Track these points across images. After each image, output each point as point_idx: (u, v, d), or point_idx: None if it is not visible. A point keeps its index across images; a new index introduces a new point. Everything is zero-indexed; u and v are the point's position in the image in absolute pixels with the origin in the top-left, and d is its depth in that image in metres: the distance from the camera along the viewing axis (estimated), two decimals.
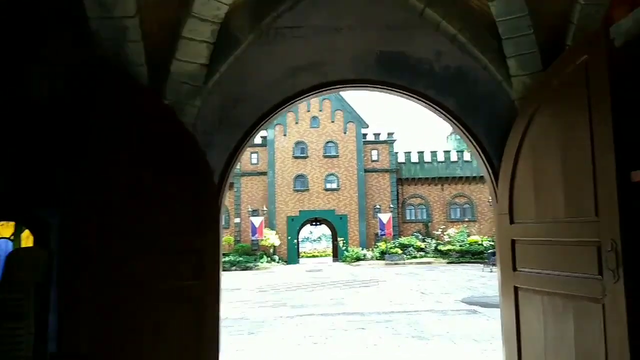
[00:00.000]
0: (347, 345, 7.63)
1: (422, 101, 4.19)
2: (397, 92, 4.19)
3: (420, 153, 39.80)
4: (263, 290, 17.68)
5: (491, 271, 22.36)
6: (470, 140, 4.15)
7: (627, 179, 2.74)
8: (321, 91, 4.18)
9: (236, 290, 18.40)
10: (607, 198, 2.79)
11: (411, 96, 4.19)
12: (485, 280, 18.34)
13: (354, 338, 8.20)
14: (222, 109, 4.04)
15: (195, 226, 3.68)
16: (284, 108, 4.15)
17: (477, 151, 4.14)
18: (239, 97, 4.08)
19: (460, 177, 38.77)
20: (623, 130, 2.80)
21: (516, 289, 3.70)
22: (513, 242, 3.74)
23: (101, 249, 3.30)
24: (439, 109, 4.15)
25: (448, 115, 4.16)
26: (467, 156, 39.44)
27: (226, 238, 36.98)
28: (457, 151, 40.12)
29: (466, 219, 38.08)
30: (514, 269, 3.72)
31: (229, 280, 23.20)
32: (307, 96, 4.16)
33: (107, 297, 3.29)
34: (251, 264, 32.23)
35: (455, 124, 4.18)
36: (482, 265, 26.03)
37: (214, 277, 3.78)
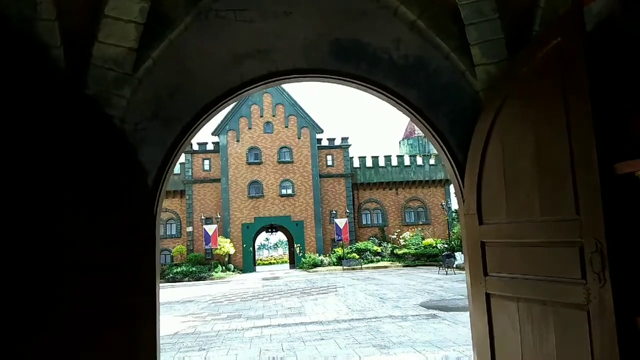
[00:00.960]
0: (306, 359, 7.19)
1: (380, 93, 3.84)
2: (353, 82, 3.82)
3: (375, 158, 40.01)
4: (217, 302, 16.95)
5: (446, 274, 22.56)
6: (432, 135, 3.83)
7: (610, 172, 2.47)
8: (271, 81, 3.74)
9: (188, 302, 17.56)
10: (589, 194, 2.51)
11: (369, 87, 3.83)
12: (442, 282, 18.37)
13: (313, 350, 7.76)
14: (156, 101, 3.53)
15: (127, 235, 3.16)
16: (229, 100, 3.69)
17: (441, 147, 3.82)
18: (177, 88, 3.58)
19: (414, 181, 39.32)
20: (604, 119, 2.53)
21: (488, 296, 3.38)
22: (483, 244, 3.43)
23: (6, 264, 2.74)
24: (398, 101, 3.81)
25: (408, 108, 3.82)
26: (419, 161, 40.04)
27: (178, 247, 35.75)
28: (410, 156, 40.67)
29: (420, 222, 38.60)
30: (485, 273, 3.40)
31: (180, 292, 22.25)
32: (255, 87, 3.72)
33: (17, 321, 2.73)
34: (205, 274, 31.20)
35: (417, 118, 3.85)
36: (437, 267, 26.27)
37: (150, 292, 3.27)
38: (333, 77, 3.80)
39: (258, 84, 3.71)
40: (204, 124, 3.76)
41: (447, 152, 3.78)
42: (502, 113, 3.30)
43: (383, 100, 3.96)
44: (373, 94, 3.94)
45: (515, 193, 3.13)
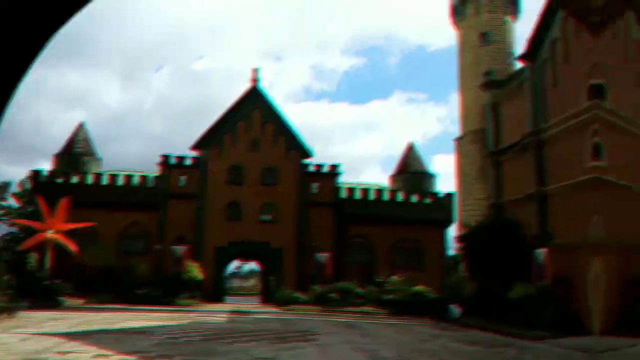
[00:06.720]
0: None
1: None
2: None
3: (366, 190, 37.51)
4: (173, 337, 13.95)
5: (443, 329, 19.71)
6: None
7: None
8: None
9: (140, 333, 14.55)
10: None
11: None
12: (443, 340, 15.53)
13: None
14: None
15: None
16: None
17: None
18: None
19: (408, 220, 36.25)
20: None
21: None
22: None
23: None
24: None
25: None
26: (414, 198, 37.56)
27: (142, 267, 32.19)
28: (405, 191, 38.11)
29: (411, 266, 35.43)
30: None
31: (135, 319, 19.04)
32: None
33: None
34: (168, 300, 27.89)
35: None
36: (427, 319, 23.46)
37: None
38: None
39: None
40: None
41: None
42: None
43: None
44: None
45: None
